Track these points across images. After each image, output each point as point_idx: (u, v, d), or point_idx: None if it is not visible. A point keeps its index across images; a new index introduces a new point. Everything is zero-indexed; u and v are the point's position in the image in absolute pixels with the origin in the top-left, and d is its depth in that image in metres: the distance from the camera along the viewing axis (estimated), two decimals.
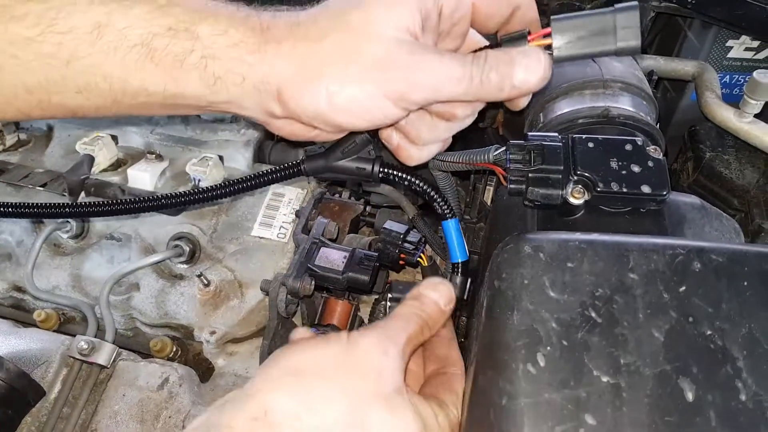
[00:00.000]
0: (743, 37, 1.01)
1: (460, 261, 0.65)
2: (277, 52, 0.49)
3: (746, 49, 1.03)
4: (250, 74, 0.49)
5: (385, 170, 0.61)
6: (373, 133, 0.59)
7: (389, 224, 0.78)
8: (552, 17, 0.46)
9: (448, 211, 0.63)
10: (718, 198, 0.94)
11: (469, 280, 0.67)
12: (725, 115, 0.89)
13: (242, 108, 0.52)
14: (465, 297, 0.67)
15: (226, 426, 0.43)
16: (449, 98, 0.50)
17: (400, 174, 0.62)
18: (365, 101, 0.49)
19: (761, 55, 1.04)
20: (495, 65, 0.49)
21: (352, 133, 0.59)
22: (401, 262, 0.82)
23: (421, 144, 0.57)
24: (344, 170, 0.61)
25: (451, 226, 0.64)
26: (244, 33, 0.49)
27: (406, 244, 0.79)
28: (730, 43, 1.03)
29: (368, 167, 0.60)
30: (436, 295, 0.55)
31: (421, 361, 0.57)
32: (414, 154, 0.58)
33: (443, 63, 0.49)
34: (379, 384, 0.47)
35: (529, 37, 0.50)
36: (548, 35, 0.49)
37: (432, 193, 0.63)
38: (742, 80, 1.07)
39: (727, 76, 1.07)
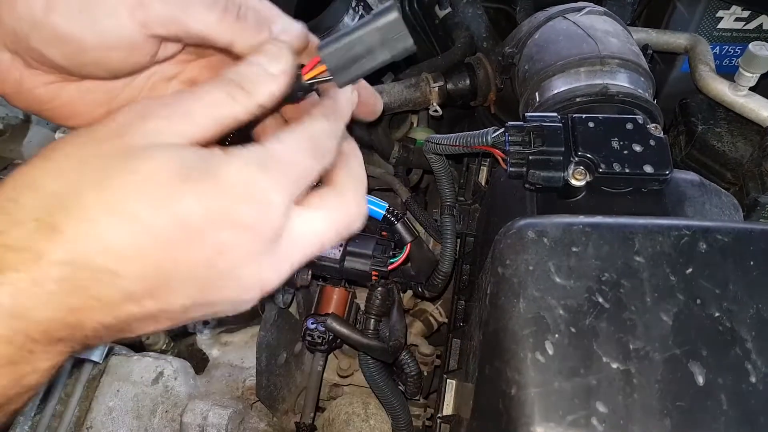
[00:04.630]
0: (733, 7, 1.00)
1: (385, 212, 0.61)
2: None
3: (737, 19, 1.02)
4: None
5: None
6: None
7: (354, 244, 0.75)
8: (319, 44, 0.37)
9: None
10: (711, 172, 0.93)
11: (468, 265, 0.66)
12: (720, 88, 0.88)
13: None
14: (416, 238, 0.64)
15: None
16: (200, 28, 0.38)
17: None
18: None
19: (752, 25, 1.02)
20: (254, 8, 0.38)
21: None
22: (374, 277, 0.79)
23: None
24: None
25: None
26: None
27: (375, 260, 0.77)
28: (720, 13, 1.01)
29: None
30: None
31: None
32: None
33: None
34: (115, 137, 0.32)
35: (302, 71, 0.39)
36: (322, 67, 0.38)
37: None
38: (733, 51, 1.06)
39: (718, 47, 1.05)
